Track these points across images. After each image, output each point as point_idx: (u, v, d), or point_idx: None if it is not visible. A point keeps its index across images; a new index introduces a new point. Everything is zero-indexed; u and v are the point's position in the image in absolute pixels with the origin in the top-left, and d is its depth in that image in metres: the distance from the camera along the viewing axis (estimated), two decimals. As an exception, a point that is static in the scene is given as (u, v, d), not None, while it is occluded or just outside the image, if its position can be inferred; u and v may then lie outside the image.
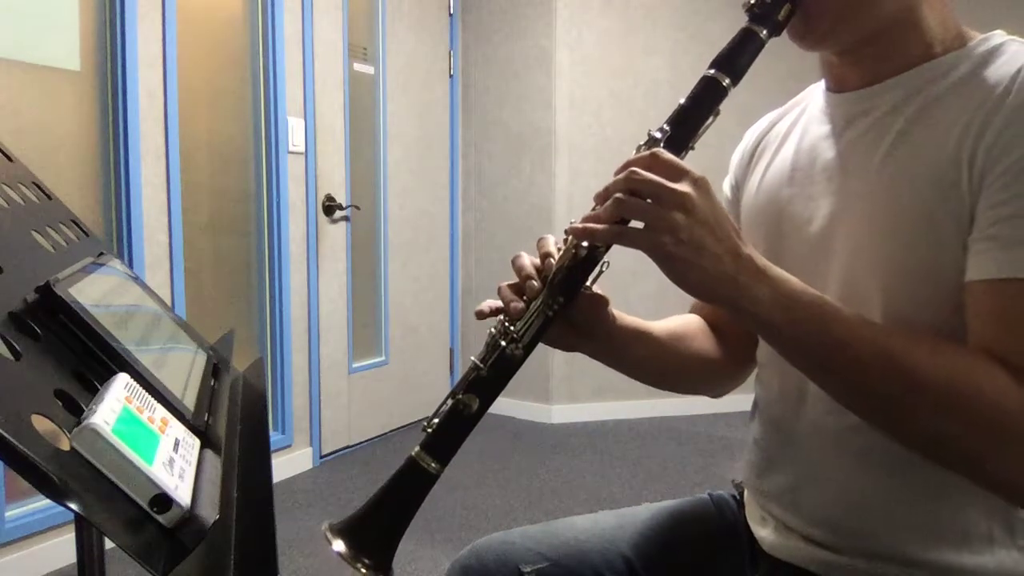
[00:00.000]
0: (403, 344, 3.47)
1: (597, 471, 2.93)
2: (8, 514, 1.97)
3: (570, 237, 0.67)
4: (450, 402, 0.68)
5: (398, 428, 3.45)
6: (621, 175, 0.62)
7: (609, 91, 3.56)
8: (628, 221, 0.63)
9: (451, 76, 3.67)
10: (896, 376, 0.60)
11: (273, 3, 2.68)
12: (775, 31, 0.68)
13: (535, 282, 0.68)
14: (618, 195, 0.61)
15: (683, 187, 0.60)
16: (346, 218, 3.07)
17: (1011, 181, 0.60)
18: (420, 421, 3.59)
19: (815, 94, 0.83)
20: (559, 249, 0.70)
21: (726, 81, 0.67)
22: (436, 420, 0.68)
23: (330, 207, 2.96)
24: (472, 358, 0.68)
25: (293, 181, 2.80)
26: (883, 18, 0.69)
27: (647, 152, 0.63)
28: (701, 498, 0.95)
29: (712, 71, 0.68)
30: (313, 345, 2.94)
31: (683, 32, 3.57)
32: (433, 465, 0.67)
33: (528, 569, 0.83)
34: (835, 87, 0.78)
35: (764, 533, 0.82)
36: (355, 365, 3.20)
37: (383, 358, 3.38)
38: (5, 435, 0.38)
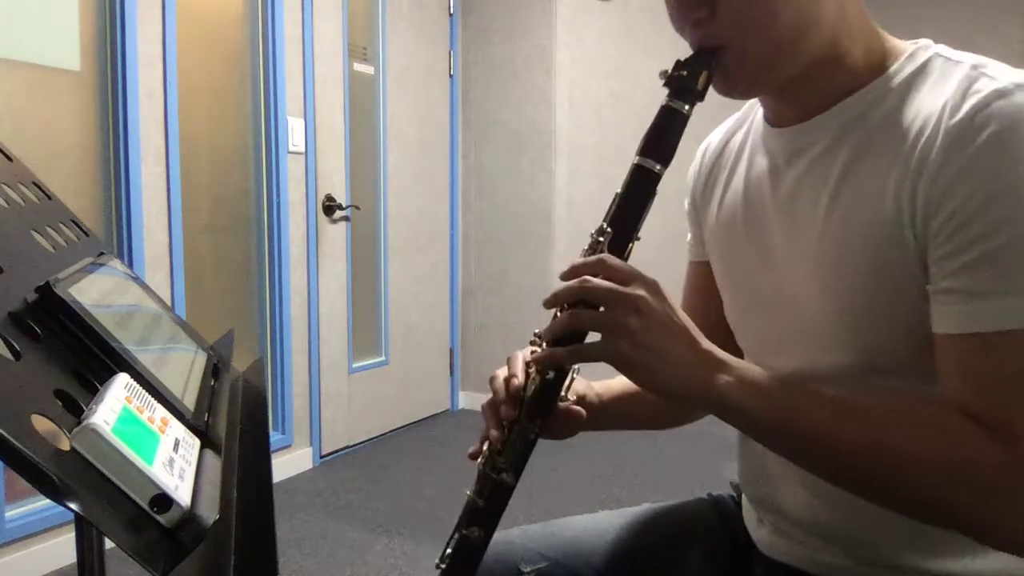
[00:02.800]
0: (403, 344, 3.47)
1: (597, 471, 2.93)
2: (8, 514, 1.97)
3: (536, 342, 0.70)
4: (457, 536, 0.72)
5: (398, 428, 3.45)
6: (573, 283, 0.63)
7: (609, 91, 3.56)
8: (586, 333, 0.64)
9: (451, 76, 3.67)
10: (871, 449, 0.60)
11: (273, 3, 2.68)
12: (698, 99, 0.67)
13: (507, 407, 0.71)
14: (572, 311, 0.63)
15: (635, 290, 0.61)
16: (346, 218, 3.07)
17: (954, 232, 0.58)
18: (420, 421, 3.60)
19: (760, 115, 0.80)
20: (528, 364, 0.73)
21: (657, 167, 0.67)
22: (448, 555, 0.71)
23: (330, 207, 2.96)
24: (468, 492, 0.72)
25: (293, 181, 2.80)
26: (804, 61, 0.66)
27: (594, 259, 0.64)
28: (700, 498, 0.95)
29: (639, 159, 0.67)
30: (313, 345, 2.94)
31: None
32: None
33: (528, 569, 0.83)
34: (773, 121, 0.76)
35: (761, 535, 0.82)
36: (355, 365, 3.20)
37: (383, 358, 3.38)
38: (5, 435, 0.38)
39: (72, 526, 1.00)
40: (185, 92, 2.40)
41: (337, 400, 3.08)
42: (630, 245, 0.68)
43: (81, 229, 0.83)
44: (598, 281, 0.62)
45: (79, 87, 2.13)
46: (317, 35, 2.86)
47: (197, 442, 0.57)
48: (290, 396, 2.85)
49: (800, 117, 0.71)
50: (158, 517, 0.45)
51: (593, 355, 0.62)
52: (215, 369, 0.79)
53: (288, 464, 2.85)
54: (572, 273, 0.64)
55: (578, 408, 0.78)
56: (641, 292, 0.61)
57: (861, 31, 0.68)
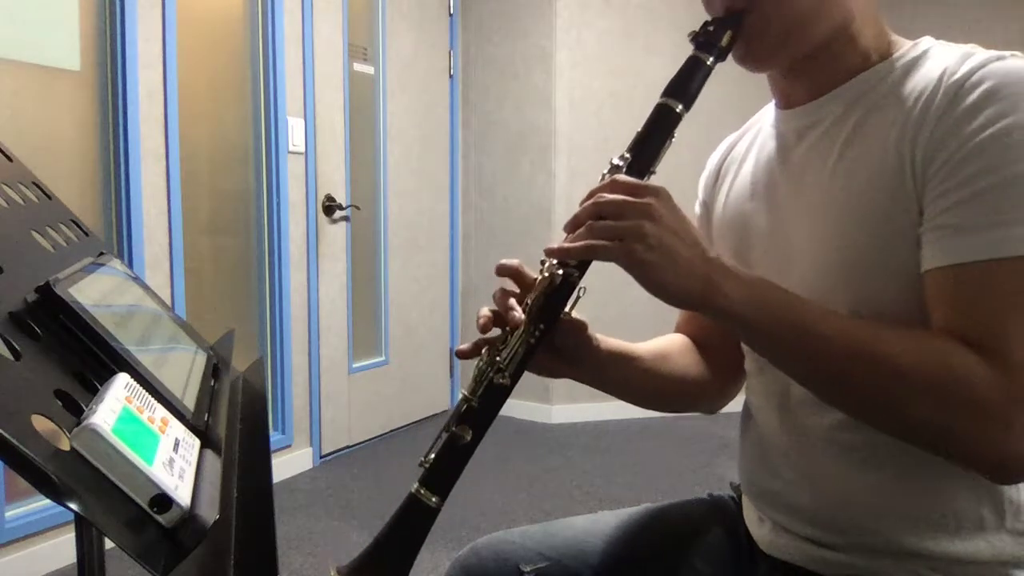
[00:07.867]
0: (403, 344, 3.47)
1: (597, 471, 2.93)
2: (8, 514, 1.97)
3: (547, 263, 0.71)
4: (444, 435, 0.70)
5: (398, 428, 3.45)
6: (589, 203, 0.67)
7: (609, 91, 3.56)
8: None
9: (451, 76, 3.67)
10: (867, 360, 0.63)
11: (273, 3, 2.68)
12: (720, 57, 0.73)
13: (516, 313, 0.70)
14: (589, 221, 0.65)
15: (646, 200, 0.64)
16: (346, 218, 3.07)
17: (949, 173, 0.63)
18: (420, 421, 3.60)
19: (767, 114, 0.86)
20: (540, 273, 0.73)
21: (679, 107, 0.71)
22: (432, 455, 0.69)
23: (330, 207, 2.96)
24: (462, 391, 0.71)
25: (293, 181, 2.80)
26: (821, 37, 0.72)
27: (608, 180, 0.68)
28: (700, 498, 0.95)
29: (664, 99, 0.71)
30: (313, 345, 2.94)
31: (683, 32, 3.53)
32: (434, 499, 0.68)
33: (528, 569, 0.84)
34: (784, 104, 0.81)
35: (761, 533, 0.83)
36: (355, 365, 3.20)
37: (383, 358, 3.38)
38: (5, 435, 0.38)
39: (72, 526, 1.00)
40: (185, 92, 2.40)
41: (337, 400, 3.08)
42: (646, 177, 0.70)
43: (81, 229, 0.83)
44: (611, 195, 0.65)
45: (79, 87, 2.13)
46: (317, 35, 2.86)
47: (197, 442, 0.57)
48: (290, 396, 2.85)
49: (810, 96, 0.77)
50: (158, 517, 0.45)
51: (606, 253, 0.64)
52: (215, 369, 0.80)
53: (288, 464, 2.85)
54: (588, 197, 0.68)
55: (581, 319, 0.78)
56: (651, 200, 0.64)
57: (873, 19, 0.74)
